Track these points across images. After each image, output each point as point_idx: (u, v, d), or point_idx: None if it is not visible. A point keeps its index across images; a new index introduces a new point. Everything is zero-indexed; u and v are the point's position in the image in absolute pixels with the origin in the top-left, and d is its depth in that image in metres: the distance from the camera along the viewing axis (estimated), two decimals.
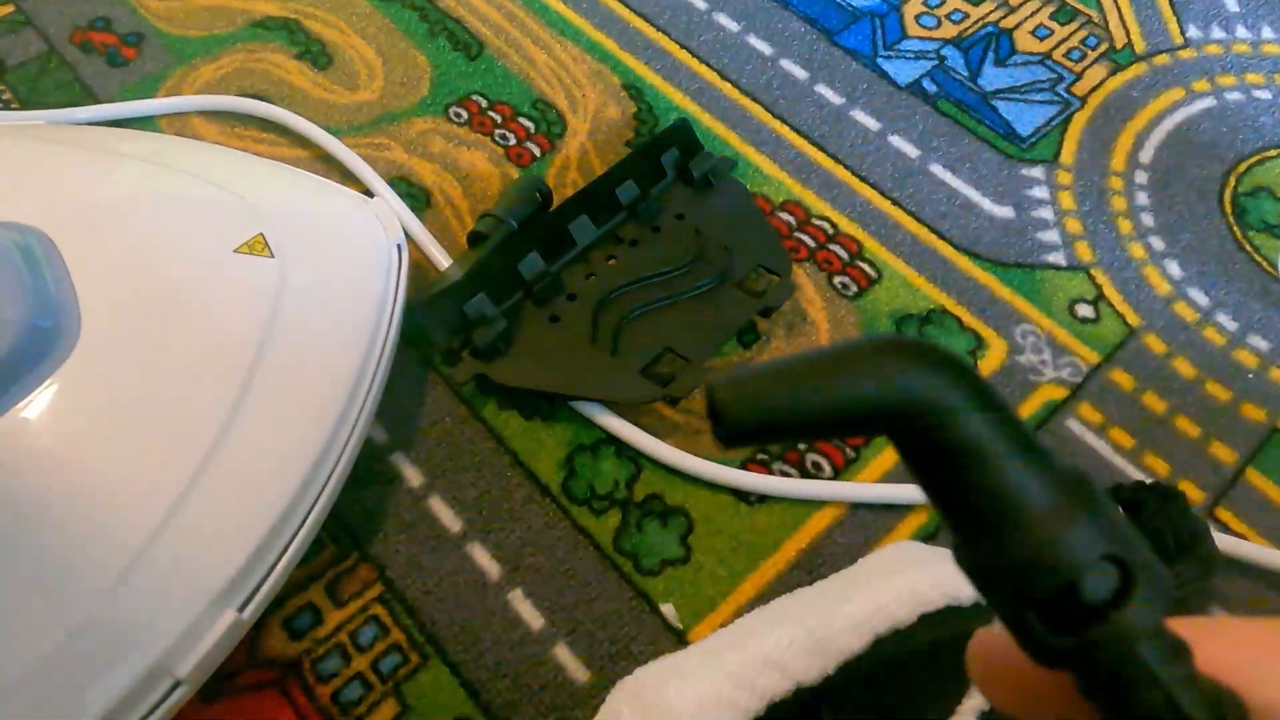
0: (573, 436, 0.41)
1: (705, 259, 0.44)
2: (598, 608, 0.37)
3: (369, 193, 0.47)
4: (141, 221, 0.38)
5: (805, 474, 0.40)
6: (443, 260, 0.45)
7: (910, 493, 0.39)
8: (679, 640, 0.37)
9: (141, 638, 0.30)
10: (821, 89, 0.52)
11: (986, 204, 0.48)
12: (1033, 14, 0.56)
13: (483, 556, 0.38)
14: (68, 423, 0.32)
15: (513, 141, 0.50)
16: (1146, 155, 0.50)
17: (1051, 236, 0.47)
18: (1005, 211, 0.48)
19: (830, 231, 0.47)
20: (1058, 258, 0.47)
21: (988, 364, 0.43)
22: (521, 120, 0.51)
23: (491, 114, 0.51)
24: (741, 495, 0.40)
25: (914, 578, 0.30)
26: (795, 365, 0.13)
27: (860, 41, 0.55)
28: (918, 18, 0.56)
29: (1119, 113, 0.52)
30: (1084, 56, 0.54)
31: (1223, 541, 0.37)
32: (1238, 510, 0.40)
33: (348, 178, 0.48)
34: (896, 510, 0.39)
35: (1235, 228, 0.48)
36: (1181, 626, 0.13)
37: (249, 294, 0.36)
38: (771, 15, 0.55)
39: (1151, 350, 0.44)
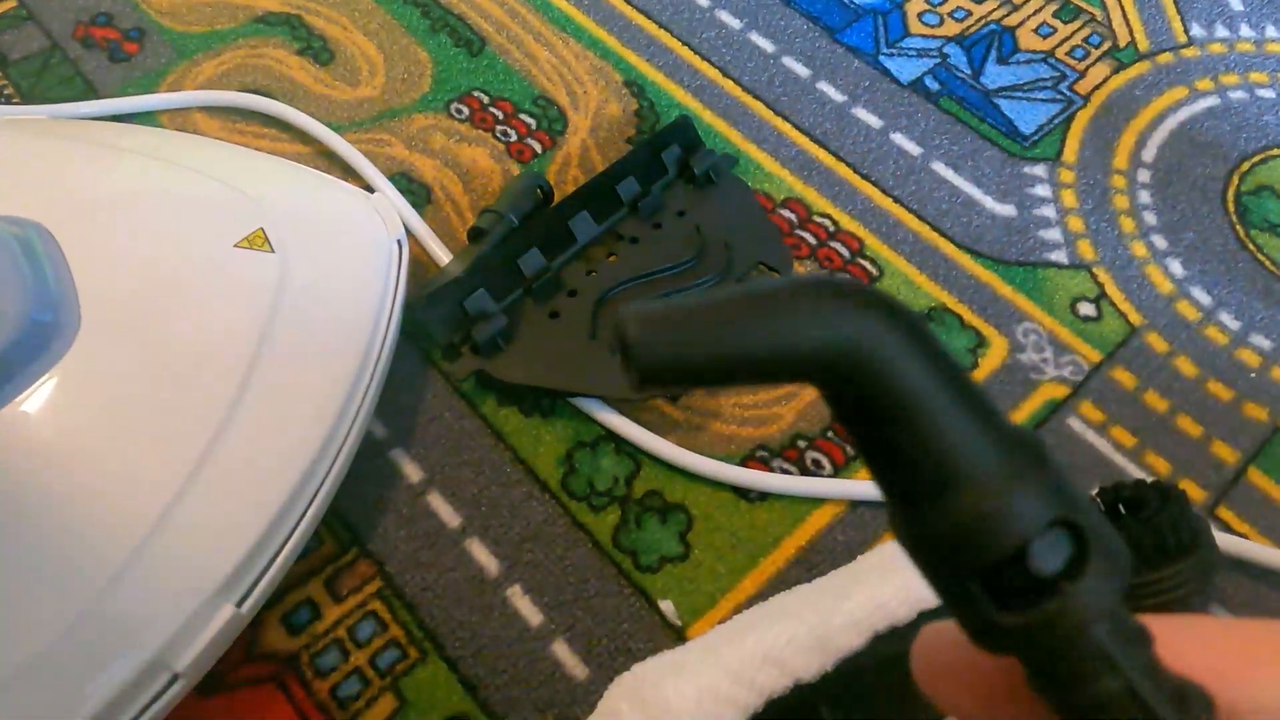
0: (572, 433, 0.41)
1: (706, 256, 0.44)
2: (596, 604, 0.37)
3: (370, 188, 0.47)
4: (142, 216, 0.38)
5: (805, 471, 0.40)
6: (443, 256, 0.45)
7: None
8: (677, 637, 0.36)
9: (140, 632, 0.30)
10: (823, 86, 0.52)
11: (988, 202, 0.48)
12: (1036, 12, 0.56)
13: (481, 552, 0.38)
14: (67, 417, 0.32)
15: (514, 138, 0.50)
16: (1149, 154, 0.50)
17: (1053, 235, 0.47)
18: (1007, 210, 0.48)
19: (831, 229, 0.47)
20: (1060, 256, 0.47)
21: (989, 362, 0.43)
22: (523, 117, 0.50)
23: (493, 110, 0.51)
24: (741, 492, 0.40)
25: (913, 576, 0.29)
26: (720, 303, 0.12)
27: (862, 39, 0.54)
28: (920, 15, 0.56)
29: (1122, 111, 0.52)
30: (1087, 55, 0.54)
31: (1224, 541, 0.37)
32: (1239, 509, 0.40)
33: (349, 173, 0.48)
34: None
35: (1238, 227, 0.48)
36: (1150, 621, 0.12)
37: (249, 289, 0.36)
38: (773, 12, 0.55)
39: (1153, 349, 0.44)
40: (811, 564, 0.38)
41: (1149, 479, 0.36)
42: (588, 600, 0.37)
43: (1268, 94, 0.53)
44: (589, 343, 0.42)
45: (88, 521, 0.31)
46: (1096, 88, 0.53)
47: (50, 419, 0.32)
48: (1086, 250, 0.47)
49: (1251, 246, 0.47)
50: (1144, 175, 0.50)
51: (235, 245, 0.37)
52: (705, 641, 0.30)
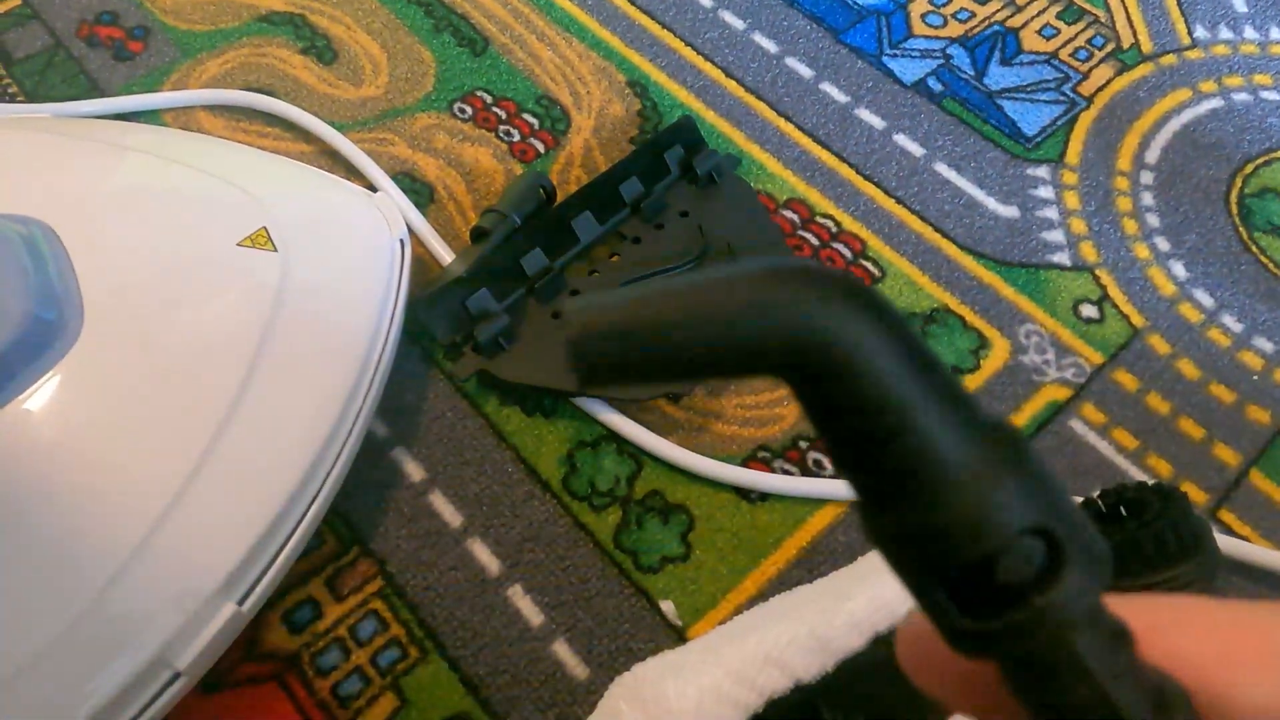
0: (574, 433, 0.41)
1: (708, 256, 0.44)
2: (597, 604, 0.37)
3: (372, 188, 0.47)
4: (145, 215, 0.38)
5: (807, 472, 0.40)
6: (445, 256, 0.45)
7: None
8: (678, 637, 0.36)
9: (141, 630, 0.30)
10: (826, 87, 0.52)
11: (991, 203, 0.48)
12: (1039, 13, 0.56)
13: (483, 552, 0.38)
14: (70, 415, 0.32)
15: (517, 138, 0.50)
16: (1152, 156, 0.50)
17: (1056, 236, 0.47)
18: (1010, 211, 0.48)
19: (834, 230, 0.47)
20: (1062, 258, 0.47)
21: (991, 364, 0.43)
22: (526, 116, 0.51)
23: (496, 110, 0.51)
24: (743, 493, 0.40)
25: None
26: (672, 291, 0.11)
27: (866, 40, 0.54)
28: (924, 16, 0.56)
29: (1125, 113, 0.52)
30: (1090, 56, 0.54)
31: (1225, 543, 0.37)
32: (1240, 512, 0.40)
33: (351, 173, 0.48)
34: None
35: (1241, 229, 0.48)
36: (1146, 607, 0.12)
37: (252, 287, 0.36)
38: (777, 13, 0.55)
39: (1156, 351, 0.44)
40: (813, 565, 0.38)
41: (1150, 481, 0.36)
42: (589, 600, 0.37)
43: (1271, 96, 0.52)
44: None
45: (90, 519, 0.31)
46: (1100, 89, 0.53)
47: (53, 417, 0.32)
48: (1089, 252, 0.47)
49: (1255, 249, 0.47)
50: (1147, 177, 0.50)
51: (238, 244, 0.37)
52: (706, 642, 0.30)
